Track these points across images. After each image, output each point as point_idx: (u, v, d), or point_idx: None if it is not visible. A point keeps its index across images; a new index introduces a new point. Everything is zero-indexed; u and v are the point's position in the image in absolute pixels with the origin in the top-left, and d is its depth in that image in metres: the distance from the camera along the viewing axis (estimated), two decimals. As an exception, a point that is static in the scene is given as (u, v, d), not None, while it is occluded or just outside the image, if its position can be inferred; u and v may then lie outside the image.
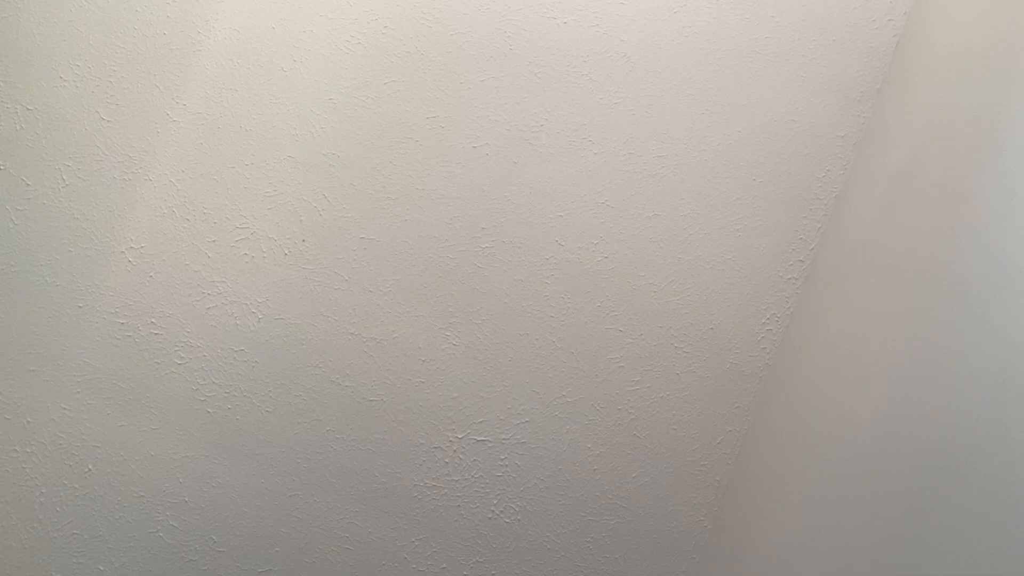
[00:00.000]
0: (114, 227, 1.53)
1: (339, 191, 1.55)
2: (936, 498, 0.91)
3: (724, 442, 1.54)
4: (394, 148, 1.56)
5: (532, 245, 1.55)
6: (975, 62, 1.21)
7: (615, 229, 1.55)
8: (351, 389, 1.53)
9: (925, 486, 0.94)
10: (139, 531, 1.51)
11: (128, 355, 1.52)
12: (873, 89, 1.55)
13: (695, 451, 1.53)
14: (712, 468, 1.53)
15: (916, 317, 1.10)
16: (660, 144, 1.55)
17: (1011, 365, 0.87)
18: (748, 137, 1.55)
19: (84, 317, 1.52)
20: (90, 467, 1.51)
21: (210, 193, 1.54)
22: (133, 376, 1.52)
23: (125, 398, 1.52)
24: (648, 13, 1.56)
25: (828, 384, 1.29)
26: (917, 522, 0.93)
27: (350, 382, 1.53)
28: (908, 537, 0.93)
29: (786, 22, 1.56)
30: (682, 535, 1.53)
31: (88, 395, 1.52)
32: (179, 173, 1.54)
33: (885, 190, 1.36)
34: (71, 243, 1.53)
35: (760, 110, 1.56)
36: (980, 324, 0.95)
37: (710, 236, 1.55)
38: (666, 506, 1.53)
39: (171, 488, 1.52)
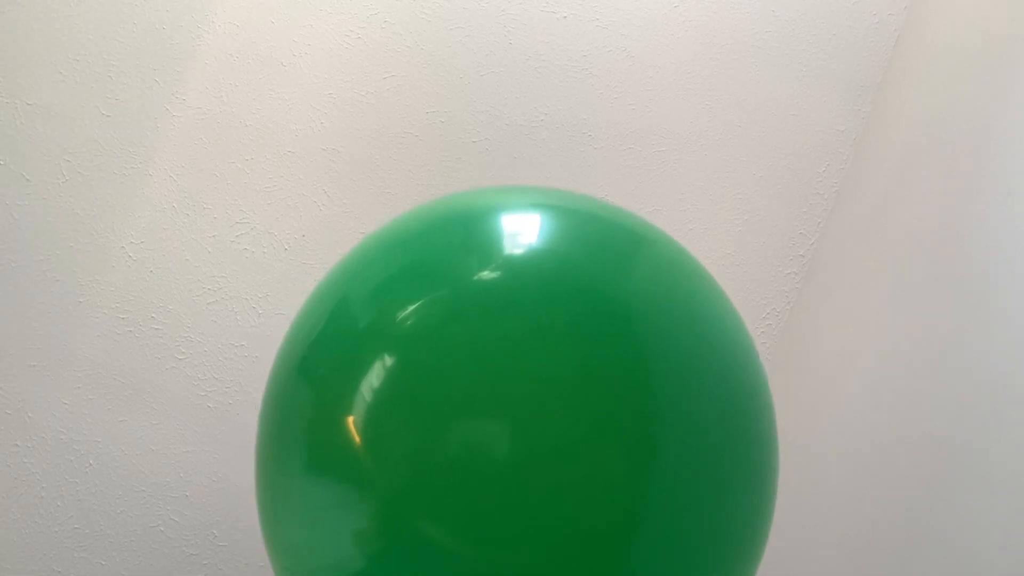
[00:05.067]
0: (114, 222, 1.53)
1: (338, 186, 1.55)
2: (936, 494, 0.91)
3: (724, 437, 1.54)
4: (394, 143, 1.55)
5: (532, 240, 1.55)
6: (976, 57, 1.21)
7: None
8: (351, 384, 1.53)
9: (925, 482, 0.94)
10: (140, 525, 1.52)
11: (129, 350, 1.52)
12: (874, 84, 1.55)
13: (695, 446, 1.53)
14: (712, 463, 1.53)
15: (916, 312, 1.10)
16: (660, 139, 1.55)
17: (1012, 360, 0.87)
18: (748, 132, 1.55)
19: (85, 312, 1.52)
20: (91, 462, 1.52)
21: (210, 188, 1.54)
22: (134, 371, 1.52)
23: (126, 393, 1.52)
24: (648, 8, 1.56)
25: (828, 379, 1.29)
26: (916, 518, 0.93)
27: (350, 377, 1.53)
28: (907, 533, 0.93)
29: (787, 17, 1.55)
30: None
31: (89, 390, 1.52)
32: (179, 168, 1.54)
33: (885, 185, 1.36)
34: (71, 238, 1.53)
35: (760, 105, 1.55)
36: (980, 319, 0.95)
37: (710, 231, 1.55)
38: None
39: (172, 483, 1.52)
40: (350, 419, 0.56)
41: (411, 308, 0.55)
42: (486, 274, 0.54)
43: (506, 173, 1.55)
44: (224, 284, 1.54)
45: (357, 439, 0.55)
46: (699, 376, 0.58)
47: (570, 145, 1.55)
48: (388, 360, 0.55)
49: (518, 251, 0.55)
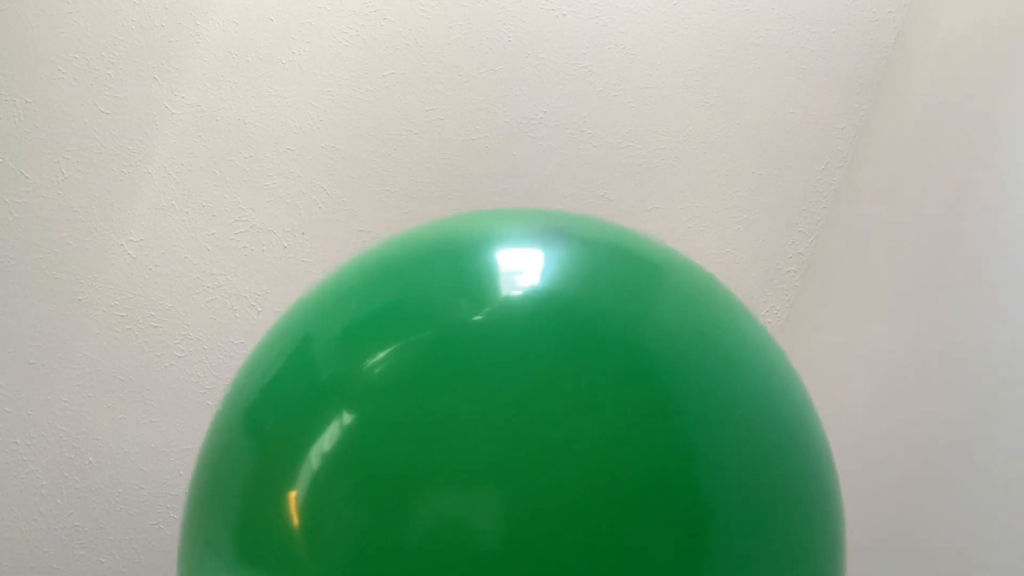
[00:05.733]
0: (113, 220, 1.53)
1: (338, 184, 1.55)
2: (936, 494, 0.91)
3: (723, 434, 1.54)
4: (393, 141, 1.55)
5: (531, 238, 1.55)
6: (976, 55, 1.21)
7: (614, 222, 1.55)
8: (351, 382, 1.53)
9: (925, 482, 0.94)
10: (140, 523, 1.52)
11: (128, 348, 1.52)
12: (873, 81, 1.55)
13: (694, 443, 1.54)
14: (711, 460, 1.53)
15: (915, 310, 1.11)
16: (659, 137, 1.55)
17: (1011, 360, 0.87)
18: (747, 130, 1.55)
19: (84, 310, 1.52)
20: (90, 459, 1.52)
21: (209, 186, 1.54)
22: (133, 369, 1.52)
23: (125, 391, 1.52)
24: (648, 5, 1.56)
25: (827, 378, 1.29)
26: (916, 518, 0.93)
27: (349, 375, 1.53)
28: (906, 533, 0.94)
29: (786, 14, 1.55)
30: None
31: (88, 388, 1.52)
32: (178, 166, 1.54)
33: (885, 183, 1.36)
34: (70, 236, 1.53)
35: (759, 102, 1.55)
36: (979, 318, 0.95)
37: (709, 229, 1.55)
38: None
39: (171, 480, 1.52)
40: (291, 492, 0.42)
41: (383, 356, 0.43)
42: (478, 319, 0.42)
43: (505, 171, 1.55)
44: (223, 282, 1.54)
45: (295, 519, 0.41)
46: (752, 443, 0.45)
47: (569, 143, 1.55)
48: (347, 419, 0.41)
49: (517, 291, 0.44)
